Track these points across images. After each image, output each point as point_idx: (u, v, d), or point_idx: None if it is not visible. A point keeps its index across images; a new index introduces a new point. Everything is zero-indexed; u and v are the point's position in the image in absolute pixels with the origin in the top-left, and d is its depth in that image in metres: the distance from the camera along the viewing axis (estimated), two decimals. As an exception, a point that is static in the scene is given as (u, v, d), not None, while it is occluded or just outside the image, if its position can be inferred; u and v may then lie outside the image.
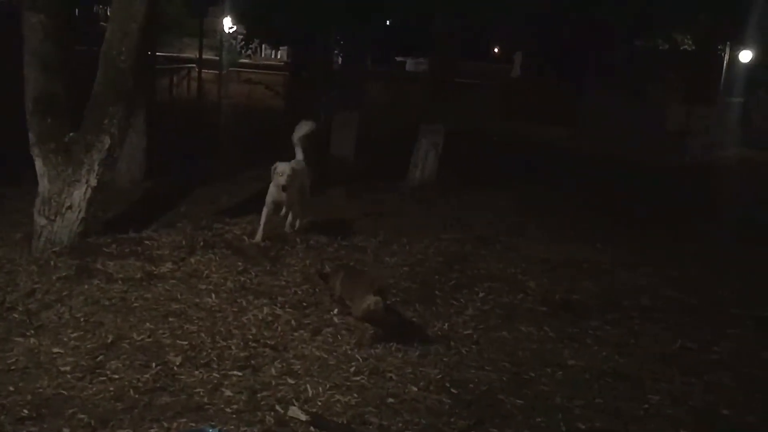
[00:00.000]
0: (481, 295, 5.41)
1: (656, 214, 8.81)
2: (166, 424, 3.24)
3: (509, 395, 3.81)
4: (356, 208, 8.15)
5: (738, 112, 17.82)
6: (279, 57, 29.75)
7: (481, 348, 4.42)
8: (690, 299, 5.64)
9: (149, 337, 4.14)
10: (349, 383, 3.82)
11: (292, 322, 4.58)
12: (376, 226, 7.30)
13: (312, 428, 3.27)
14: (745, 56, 21.53)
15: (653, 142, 13.29)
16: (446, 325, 4.77)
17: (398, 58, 30.72)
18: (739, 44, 19.97)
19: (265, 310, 4.70)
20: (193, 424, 3.22)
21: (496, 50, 37.82)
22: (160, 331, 4.21)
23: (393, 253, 6.33)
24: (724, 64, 19.95)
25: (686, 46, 19.12)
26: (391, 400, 3.66)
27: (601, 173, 11.42)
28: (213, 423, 3.23)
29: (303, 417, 3.34)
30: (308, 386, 3.71)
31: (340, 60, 13.26)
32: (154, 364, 3.80)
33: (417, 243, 6.73)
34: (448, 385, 3.88)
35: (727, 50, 19.96)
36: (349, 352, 4.22)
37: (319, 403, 3.56)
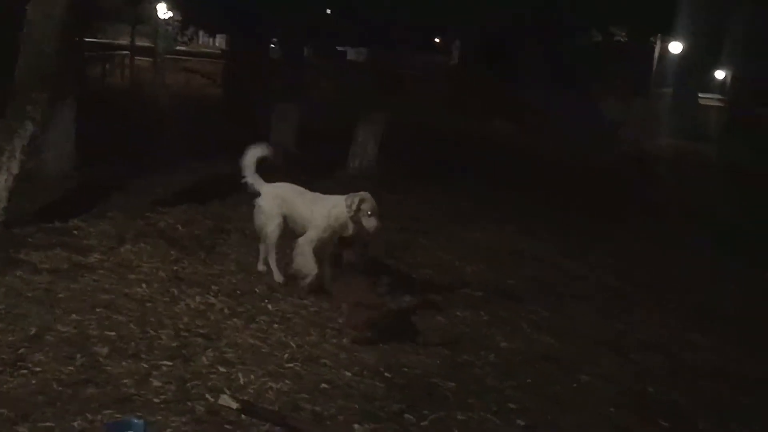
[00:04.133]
0: (419, 281, 5.44)
1: (593, 204, 9.03)
2: (90, 417, 3.13)
3: (443, 378, 3.83)
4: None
5: (669, 102, 18.42)
6: (218, 44, 29.26)
7: (416, 333, 4.43)
8: (623, 285, 5.81)
9: (75, 328, 3.99)
10: (282, 370, 3.77)
11: (226, 310, 4.50)
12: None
13: (243, 416, 3.21)
14: (676, 48, 22.29)
15: (589, 134, 13.60)
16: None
17: (339, 48, 30.61)
18: (670, 36, 20.67)
19: (198, 299, 4.60)
20: (119, 416, 3.12)
21: (437, 40, 38.07)
22: (87, 323, 4.07)
23: (334, 241, 6.29)
24: (656, 56, 20.62)
25: (620, 38, 19.65)
26: (324, 386, 3.63)
27: (540, 164, 11.63)
28: (140, 414, 3.14)
29: (234, 405, 3.28)
30: (240, 374, 3.65)
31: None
32: (79, 356, 3.67)
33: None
34: (382, 369, 3.88)
35: (659, 42, 20.63)
36: (284, 339, 4.17)
37: (251, 391, 3.50)
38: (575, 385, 3.88)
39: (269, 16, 11.99)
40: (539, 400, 3.68)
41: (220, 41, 28.52)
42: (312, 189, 8.37)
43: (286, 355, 3.96)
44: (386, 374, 3.84)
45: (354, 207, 4.83)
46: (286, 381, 3.65)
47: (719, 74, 28.94)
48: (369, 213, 4.84)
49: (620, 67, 17.64)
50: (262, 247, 5.29)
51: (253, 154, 5.28)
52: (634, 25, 18.32)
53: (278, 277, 5.08)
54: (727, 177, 12.46)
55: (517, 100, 16.45)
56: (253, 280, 5.12)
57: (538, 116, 15.04)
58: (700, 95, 24.52)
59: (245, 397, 3.41)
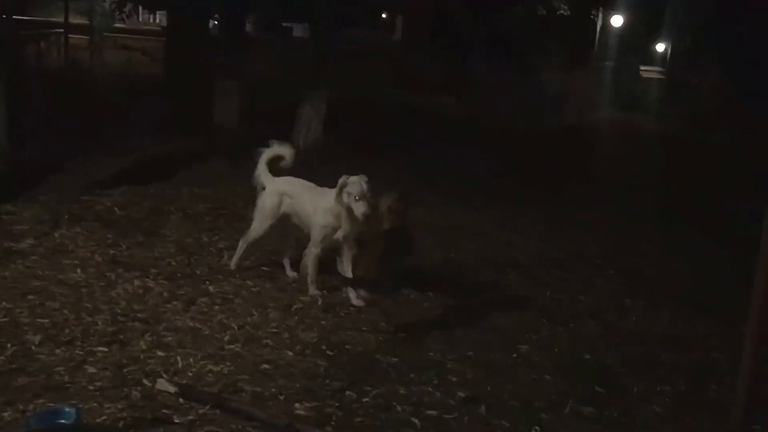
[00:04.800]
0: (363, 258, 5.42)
1: (535, 174, 9.15)
2: (21, 407, 3.05)
3: (385, 354, 3.85)
4: (238, 176, 7.95)
5: (610, 75, 18.75)
6: (158, 21, 28.43)
7: (359, 310, 4.44)
8: (561, 255, 5.91)
9: (5, 316, 3.88)
10: (223, 352, 3.74)
11: (165, 293, 4.43)
12: (257, 192, 7.16)
13: (181, 400, 3.18)
14: (617, 21, 22.67)
15: (533, 107, 13.76)
16: (325, 290, 4.76)
17: (285, 24, 30.10)
18: (611, 9, 20.99)
19: (136, 282, 4.52)
20: (52, 405, 3.05)
21: (384, 16, 37.83)
22: (18, 310, 3.95)
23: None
24: (598, 29, 20.93)
25: (563, 12, 19.85)
26: (265, 366, 3.62)
27: (484, 138, 11.71)
28: (73, 402, 3.07)
29: (171, 389, 3.23)
30: (179, 358, 3.61)
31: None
32: (9, 345, 3.56)
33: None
34: (324, 348, 3.88)
35: (600, 15, 20.93)
36: (225, 320, 4.14)
37: (190, 374, 3.47)
38: (515, 355, 3.95)
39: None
40: (479, 371, 3.73)
41: (161, 18, 27.74)
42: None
43: (226, 337, 3.92)
44: (328, 352, 3.84)
45: (338, 190, 4.44)
46: (227, 363, 3.61)
47: (660, 47, 29.63)
48: (356, 197, 4.37)
49: (563, 40, 17.83)
50: (287, 252, 4.98)
51: (271, 152, 4.97)
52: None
53: (233, 264, 4.95)
54: (666, 146, 12.79)
55: (461, 74, 16.49)
56: (194, 262, 5.05)
57: (481, 89, 15.11)
58: (641, 68, 25.06)
59: (184, 381, 3.37)
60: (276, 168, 5.01)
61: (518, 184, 8.59)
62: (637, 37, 21.87)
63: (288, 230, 4.98)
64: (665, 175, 9.44)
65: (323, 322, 4.24)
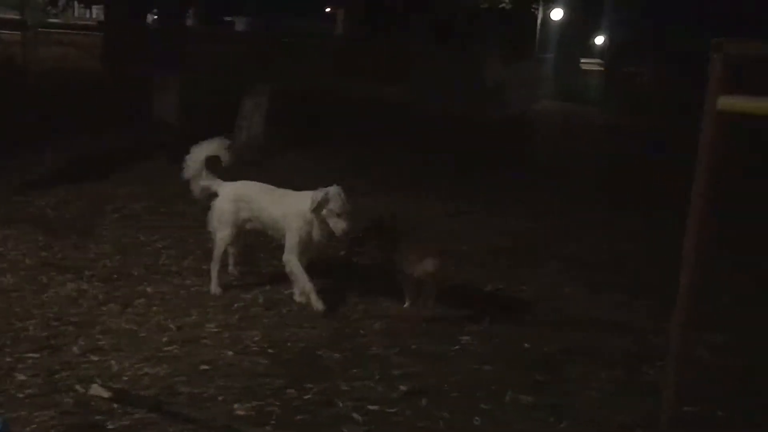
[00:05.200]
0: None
1: (478, 164, 9.22)
2: (-55, 419, 2.91)
3: (328, 350, 3.82)
4: (177, 173, 7.78)
5: (550, 67, 19.08)
6: (95, 16, 27.65)
7: (302, 307, 4.40)
8: (503, 243, 5.97)
9: (-72, 325, 3.71)
10: (160, 354, 3.66)
11: (100, 296, 4.32)
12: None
13: (116, 405, 3.09)
14: (557, 14, 23.10)
15: (476, 97, 13.88)
16: (268, 286, 4.71)
17: (227, 18, 29.68)
18: (551, 3, 21.38)
19: (70, 285, 4.39)
20: (-23, 415, 2.92)
21: (327, 10, 37.65)
22: (-58, 319, 3.79)
23: (215, 218, 6.12)
24: (539, 22, 21.28)
25: (504, 5, 20.11)
26: (204, 367, 3.55)
27: (430, 128, 11.75)
28: (1, 411, 2.96)
29: (105, 394, 3.14)
30: (114, 362, 3.51)
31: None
32: (-68, 355, 3.41)
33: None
34: (266, 346, 3.83)
35: (541, 9, 21.31)
36: (162, 321, 4.05)
37: (126, 378, 3.38)
38: (457, 346, 3.97)
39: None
40: (422, 364, 3.73)
41: (97, 12, 26.98)
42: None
43: (164, 339, 3.84)
44: (270, 350, 3.79)
45: (315, 205, 4.19)
46: (164, 365, 3.54)
47: (599, 40, 30.30)
48: (337, 213, 4.18)
49: (505, 32, 18.05)
50: (233, 251, 4.75)
51: (202, 152, 4.65)
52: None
53: (215, 289, 4.50)
54: (604, 134, 13.09)
55: (405, 64, 16.52)
56: (131, 263, 4.93)
57: (423, 78, 15.17)
58: (581, 60, 25.58)
59: (119, 386, 3.29)
60: (218, 168, 4.75)
61: (460, 173, 8.65)
62: (576, 30, 22.29)
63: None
64: (604, 162, 9.65)
65: (265, 320, 4.19)
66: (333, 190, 4.25)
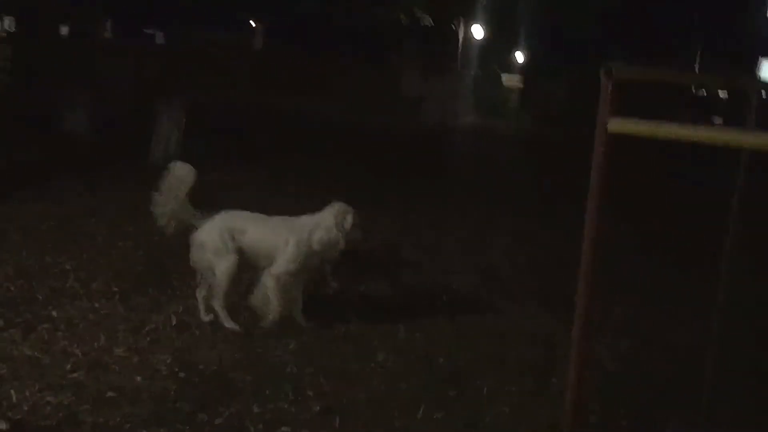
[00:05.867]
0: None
1: (393, 175, 9.33)
2: None
3: (240, 372, 3.77)
4: (92, 190, 7.57)
5: (471, 83, 19.52)
6: (7, 26, 26.52)
7: (215, 328, 4.32)
8: (418, 255, 6.04)
9: None
10: (64, 382, 3.52)
11: (1, 321, 4.11)
12: (113, 209, 6.86)
13: (13, 438, 2.95)
14: (477, 31, 23.68)
15: (395, 110, 14.06)
16: (181, 307, 4.60)
17: (147, 31, 29.00)
18: (472, 21, 21.89)
19: (-34, 312, 4.16)
20: None
21: (251, 22, 37.32)
22: None
23: (127, 236, 5.97)
24: (460, 39, 21.75)
25: (426, 23, 20.46)
26: (111, 393, 3.43)
27: (349, 138, 11.83)
28: None
29: (3, 425, 3.00)
30: (14, 391, 3.35)
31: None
32: None
33: (155, 225, 6.40)
34: (176, 369, 3.74)
35: (462, 26, 21.78)
36: (68, 347, 3.89)
37: (26, 408, 3.23)
38: (372, 363, 3.98)
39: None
40: (337, 382, 3.73)
41: (9, 23, 25.88)
42: (110, 181, 8.01)
43: (68, 365, 3.69)
44: (180, 374, 3.70)
45: (345, 223, 4.32)
46: (67, 393, 3.40)
47: (519, 56, 31.22)
48: (354, 224, 4.37)
49: (426, 48, 18.36)
50: (202, 291, 4.41)
51: (179, 185, 4.33)
52: (436, 9, 19.16)
53: (231, 325, 4.24)
54: (520, 146, 13.48)
55: (325, 77, 16.58)
56: (36, 286, 4.72)
57: (344, 92, 15.27)
58: (503, 75, 26.28)
59: (18, 416, 3.14)
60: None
61: (375, 184, 8.72)
62: (496, 47, 22.91)
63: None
64: (518, 173, 9.93)
65: (177, 343, 4.09)
66: (345, 206, 4.41)
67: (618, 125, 2.58)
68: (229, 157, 9.46)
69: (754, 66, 26.85)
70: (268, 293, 4.28)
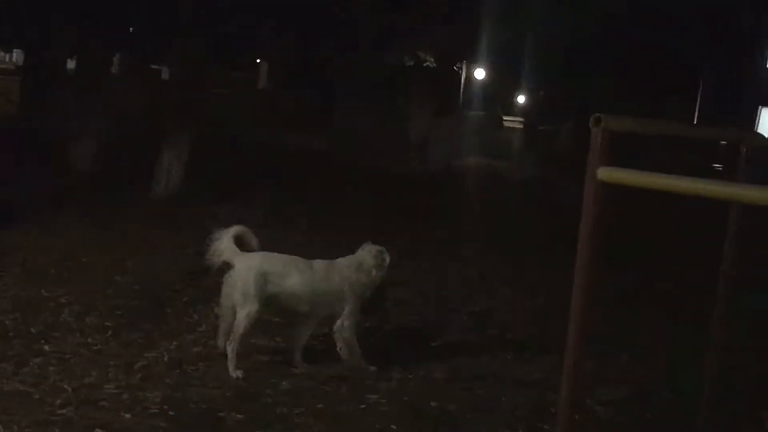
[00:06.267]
0: (216, 310, 5.28)
1: (397, 217, 9.32)
2: None
3: (230, 411, 3.74)
4: (94, 223, 7.60)
5: (475, 124, 19.72)
6: (14, 59, 26.96)
7: (207, 365, 4.31)
8: (415, 298, 6.03)
9: None
10: (53, 418, 3.50)
11: (-7, 356, 4.11)
12: (113, 242, 6.89)
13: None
14: (479, 74, 24.04)
15: (399, 152, 14.17)
16: (174, 344, 4.60)
17: (153, 66, 29.38)
18: (474, 63, 22.23)
19: (-41, 345, 4.16)
20: None
21: (258, 60, 37.80)
22: None
23: (126, 271, 6.00)
24: (462, 81, 22.07)
25: (429, 63, 20.77)
26: (99, 430, 3.41)
27: (352, 181, 11.89)
28: None
29: (-12, 463, 2.98)
30: (1, 426, 3.34)
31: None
32: None
33: (154, 258, 6.46)
34: (166, 407, 3.72)
35: (464, 68, 22.12)
36: (59, 383, 3.88)
37: (13, 445, 3.22)
38: (363, 405, 3.95)
39: (65, 30, 11.28)
40: (327, 424, 3.71)
41: (17, 57, 26.34)
42: (114, 215, 8.04)
43: (59, 401, 3.68)
44: (171, 412, 3.68)
45: (384, 263, 4.44)
46: (56, 429, 3.39)
47: (521, 98, 31.59)
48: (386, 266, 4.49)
49: (429, 89, 18.57)
50: (224, 324, 4.37)
51: (231, 236, 4.34)
52: (439, 51, 19.46)
53: (234, 372, 4.15)
54: (522, 188, 13.54)
55: (329, 118, 16.77)
56: (30, 320, 4.73)
57: (349, 133, 15.42)
58: (504, 118, 26.56)
59: (5, 453, 3.12)
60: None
61: (380, 225, 8.71)
62: (498, 89, 23.20)
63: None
64: (519, 217, 9.96)
65: (168, 380, 4.07)
66: (380, 247, 4.49)
67: (607, 174, 2.62)
68: (229, 192, 9.50)
69: (754, 115, 27.09)
70: (350, 344, 4.34)
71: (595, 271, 2.76)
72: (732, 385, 4.00)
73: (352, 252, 4.56)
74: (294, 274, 4.29)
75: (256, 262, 4.29)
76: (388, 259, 4.46)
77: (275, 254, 4.45)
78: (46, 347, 4.33)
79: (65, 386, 3.84)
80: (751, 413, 4.16)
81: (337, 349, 4.37)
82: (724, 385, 3.68)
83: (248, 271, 4.24)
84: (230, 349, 4.21)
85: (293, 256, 4.45)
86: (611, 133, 2.66)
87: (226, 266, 4.39)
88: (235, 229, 4.40)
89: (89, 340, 4.51)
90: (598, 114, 2.61)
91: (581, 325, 2.86)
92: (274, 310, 4.53)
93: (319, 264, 4.41)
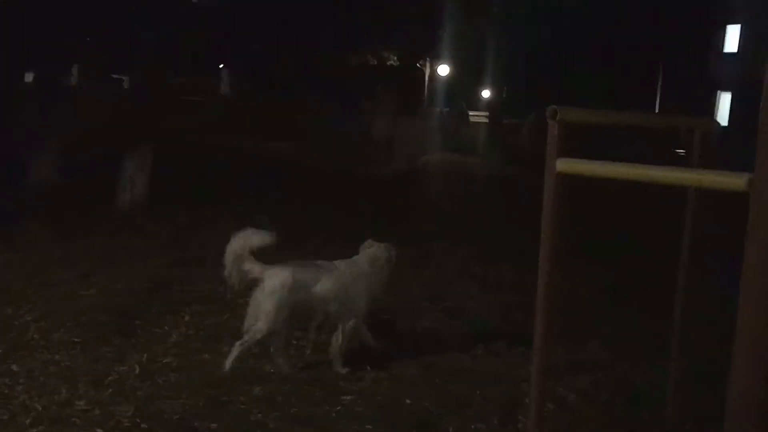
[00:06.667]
0: (186, 319, 5.26)
1: (365, 217, 9.32)
2: None
3: (204, 420, 3.72)
4: (58, 238, 7.48)
5: (440, 120, 19.79)
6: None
7: (179, 376, 4.27)
8: (386, 296, 6.02)
9: None
10: (22, 437, 3.45)
11: (-40, 376, 4.02)
12: (78, 256, 6.79)
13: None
14: (443, 71, 24.13)
15: (365, 152, 14.17)
16: (145, 356, 4.55)
17: (115, 76, 29.02)
18: (438, 60, 22.32)
19: (-77, 367, 4.07)
20: None
21: (221, 66, 37.50)
22: None
23: (92, 285, 5.90)
24: (426, 78, 22.16)
25: (392, 62, 20.81)
26: (70, 448, 3.37)
27: (318, 183, 11.87)
28: None
29: (-44, 488, 2.92)
30: (-31, 450, 3.28)
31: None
32: None
33: (121, 270, 6.38)
34: (138, 420, 3.68)
35: (428, 65, 22.21)
36: (28, 402, 3.82)
37: (-19, 468, 3.16)
38: (338, 407, 3.96)
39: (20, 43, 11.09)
40: (302, 427, 3.70)
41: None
42: (78, 228, 7.92)
43: (28, 420, 3.63)
44: (143, 425, 3.64)
45: (392, 259, 4.63)
46: (27, 449, 3.34)
47: (485, 93, 31.80)
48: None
49: (393, 87, 18.62)
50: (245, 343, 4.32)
51: (247, 242, 4.30)
52: (402, 50, 19.52)
53: (229, 365, 4.25)
54: (488, 184, 13.63)
55: (292, 119, 16.70)
56: (-3, 337, 4.64)
57: (315, 135, 15.38)
58: (471, 113, 26.69)
59: (-27, 476, 3.07)
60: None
61: (347, 227, 8.71)
62: (463, 85, 23.33)
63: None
64: (485, 213, 10.02)
65: (139, 393, 4.03)
66: (384, 244, 4.71)
67: (565, 165, 2.66)
68: (196, 201, 9.43)
69: (712, 99, 27.65)
70: (344, 336, 4.45)
71: (558, 261, 2.81)
72: (701, 371, 4.08)
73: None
74: (324, 280, 4.40)
75: (289, 274, 4.31)
76: (395, 254, 4.61)
77: (301, 262, 4.57)
78: (14, 366, 4.25)
79: (35, 405, 3.78)
80: (719, 399, 4.25)
81: (333, 337, 4.47)
82: (693, 372, 3.77)
83: (285, 284, 4.28)
84: (237, 347, 4.28)
85: (318, 261, 4.62)
86: (569, 126, 2.71)
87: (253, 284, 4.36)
88: (246, 242, 4.32)
89: (57, 356, 4.44)
90: (554, 106, 2.64)
91: (547, 314, 2.90)
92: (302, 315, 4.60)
93: (341, 264, 4.56)
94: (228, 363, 4.26)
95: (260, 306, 4.27)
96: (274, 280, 4.27)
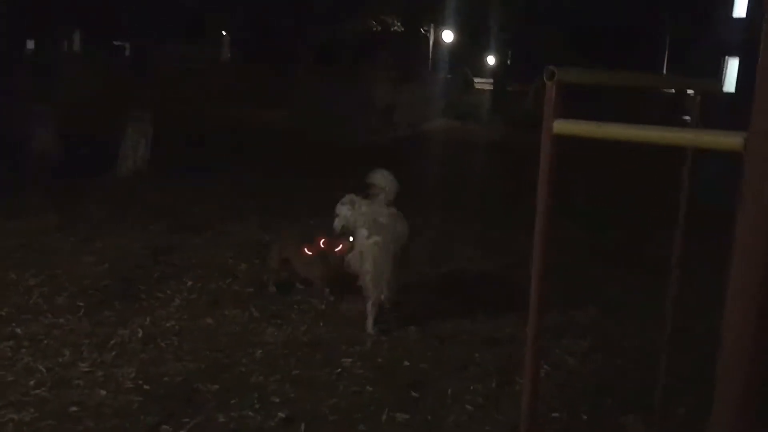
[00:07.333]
0: (188, 284, 5.29)
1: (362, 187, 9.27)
2: None
3: (205, 383, 3.77)
4: (60, 206, 7.50)
5: (443, 87, 19.60)
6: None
7: (182, 339, 4.32)
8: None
9: None
10: (27, 398, 3.50)
11: (-38, 341, 4.07)
12: (80, 224, 6.82)
13: (-28, 457, 2.94)
14: (448, 36, 23.84)
15: (366, 120, 14.08)
16: (148, 320, 4.59)
17: (117, 43, 28.78)
18: (442, 25, 22.04)
19: (-75, 331, 4.12)
20: None
21: (224, 33, 37.17)
22: None
23: (93, 251, 5.94)
24: (431, 44, 21.89)
25: (396, 28, 20.55)
26: (74, 408, 3.42)
27: (317, 152, 11.83)
28: None
29: (-38, 446, 2.98)
30: (-26, 410, 3.33)
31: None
32: None
33: (122, 237, 6.42)
34: (141, 382, 3.73)
35: (432, 31, 21.92)
36: (32, 364, 3.87)
37: (-14, 427, 3.21)
38: (338, 369, 4.00)
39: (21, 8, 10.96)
40: (302, 389, 3.75)
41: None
42: (79, 196, 7.94)
43: (32, 382, 3.68)
44: (145, 387, 3.69)
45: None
46: (30, 409, 3.39)
47: (490, 59, 31.45)
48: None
49: (397, 53, 18.43)
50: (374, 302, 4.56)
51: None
52: (406, 15, 19.26)
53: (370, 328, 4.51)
54: (490, 151, 13.58)
55: (293, 88, 16.57)
56: (0, 303, 4.68)
57: (313, 102, 15.26)
58: (475, 79, 26.44)
59: (-22, 435, 3.12)
60: None
61: (339, 193, 8.70)
62: (467, 51, 23.06)
63: None
64: (486, 179, 10.00)
65: (142, 356, 4.08)
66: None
67: (562, 126, 2.64)
68: (194, 169, 9.43)
69: (720, 64, 27.33)
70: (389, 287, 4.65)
71: (551, 223, 2.80)
72: (696, 334, 4.10)
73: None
74: (400, 222, 4.71)
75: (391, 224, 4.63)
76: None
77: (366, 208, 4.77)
78: (18, 330, 4.30)
79: (39, 367, 3.83)
80: (712, 361, 4.27)
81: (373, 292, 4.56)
82: (686, 335, 3.79)
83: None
84: (372, 307, 4.51)
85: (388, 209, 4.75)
86: (568, 87, 2.68)
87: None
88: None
89: (61, 320, 4.49)
90: (551, 67, 2.61)
91: (541, 275, 2.89)
92: None
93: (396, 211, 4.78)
94: (369, 326, 4.47)
95: (380, 255, 4.52)
96: (370, 238, 4.55)
